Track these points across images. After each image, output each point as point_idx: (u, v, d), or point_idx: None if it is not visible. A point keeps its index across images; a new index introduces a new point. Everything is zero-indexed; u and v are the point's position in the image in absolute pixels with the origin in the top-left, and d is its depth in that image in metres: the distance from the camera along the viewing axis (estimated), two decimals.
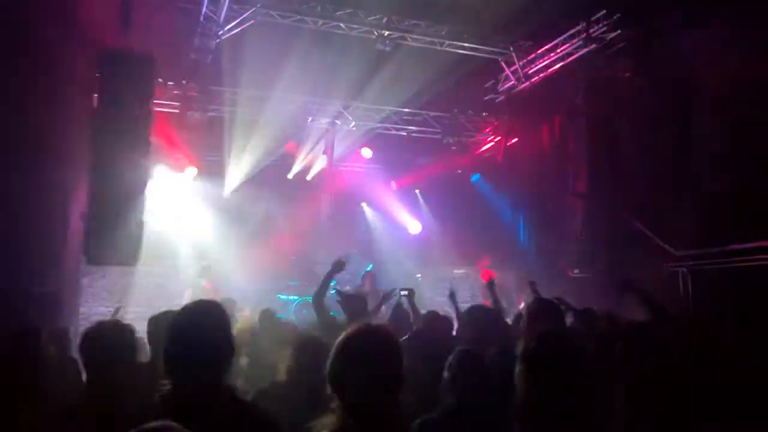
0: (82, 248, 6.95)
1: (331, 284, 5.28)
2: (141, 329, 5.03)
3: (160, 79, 9.49)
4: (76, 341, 6.67)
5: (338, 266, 5.13)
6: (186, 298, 8.90)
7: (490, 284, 5.58)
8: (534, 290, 5.57)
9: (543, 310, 3.61)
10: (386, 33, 9.01)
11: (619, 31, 8.49)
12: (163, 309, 4.64)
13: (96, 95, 6.92)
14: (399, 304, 5.85)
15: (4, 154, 5.21)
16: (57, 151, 7.04)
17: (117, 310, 7.42)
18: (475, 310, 4.28)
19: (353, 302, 5.16)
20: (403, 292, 6.03)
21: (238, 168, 12.09)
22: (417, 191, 13.84)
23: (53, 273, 6.89)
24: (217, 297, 8.80)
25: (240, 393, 2.22)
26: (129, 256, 6.99)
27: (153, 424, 1.20)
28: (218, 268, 10.24)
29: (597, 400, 2.09)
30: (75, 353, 5.45)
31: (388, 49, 9.10)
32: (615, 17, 8.44)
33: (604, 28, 8.60)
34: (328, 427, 1.84)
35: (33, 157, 5.87)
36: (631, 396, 2.04)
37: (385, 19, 8.94)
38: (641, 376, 2.48)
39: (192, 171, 11.69)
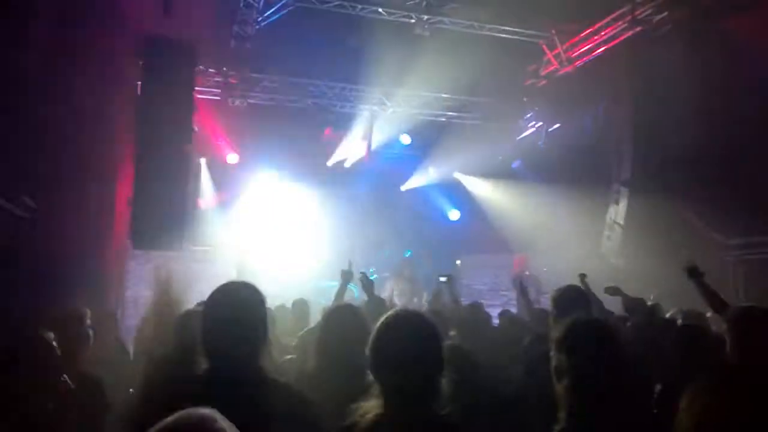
0: (129, 233, 7.15)
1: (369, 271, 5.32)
2: None
3: (201, 67, 9.63)
4: (123, 323, 6.89)
5: (346, 277, 5.13)
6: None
7: (523, 290, 5.58)
8: (584, 282, 5.45)
9: (568, 298, 3.50)
10: (425, 17, 8.91)
11: (666, 14, 8.19)
12: (206, 292, 4.70)
13: (139, 82, 7.08)
14: (438, 291, 5.84)
15: (55, 142, 5.37)
16: (104, 139, 7.22)
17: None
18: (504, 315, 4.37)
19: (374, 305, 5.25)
20: (442, 279, 6.02)
21: (278, 154, 12.22)
22: (456, 177, 13.70)
23: (101, 257, 7.11)
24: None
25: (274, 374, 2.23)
26: (174, 241, 7.17)
27: (194, 410, 1.19)
28: (257, 254, 10.39)
29: (637, 390, 2.05)
30: (122, 335, 5.62)
31: (426, 33, 9.00)
32: None
33: (650, 11, 8.32)
34: (370, 411, 1.84)
35: (82, 145, 6.04)
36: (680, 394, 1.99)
37: (423, 3, 8.84)
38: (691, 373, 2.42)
39: (233, 157, 11.86)
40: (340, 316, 3.06)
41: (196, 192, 11.44)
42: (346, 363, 2.67)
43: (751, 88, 7.50)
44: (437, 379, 1.87)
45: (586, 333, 2.15)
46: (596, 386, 2.00)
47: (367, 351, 1.93)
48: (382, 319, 1.99)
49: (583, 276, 5.38)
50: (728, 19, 7.72)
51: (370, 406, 1.86)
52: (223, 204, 11.72)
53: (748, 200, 7.44)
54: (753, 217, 7.40)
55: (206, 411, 1.18)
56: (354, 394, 1.94)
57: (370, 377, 1.89)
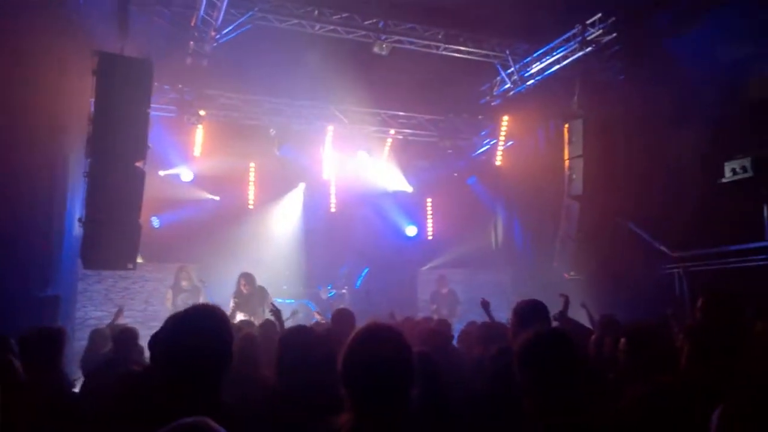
0: (80, 252, 6.95)
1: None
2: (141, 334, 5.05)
3: (156, 83, 9.48)
4: (72, 344, 6.66)
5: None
6: (168, 299, 9.09)
7: (486, 306, 5.66)
8: (565, 304, 5.34)
9: (531, 310, 3.58)
10: (382, 36, 9.03)
11: (614, 35, 8.53)
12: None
13: (93, 99, 6.93)
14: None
15: (6, 162, 5.22)
16: (57, 157, 7.03)
17: (117, 314, 7.45)
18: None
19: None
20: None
21: (234, 171, 12.16)
22: (413, 193, 13.82)
23: (52, 277, 6.88)
24: (200, 297, 8.89)
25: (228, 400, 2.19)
26: (125, 260, 7.00)
27: (188, 420, 1.20)
28: (203, 269, 10.26)
29: (598, 395, 2.13)
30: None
31: (384, 52, 9.11)
32: (610, 21, 8.48)
33: (600, 32, 8.64)
34: (342, 425, 1.84)
35: (34, 164, 5.88)
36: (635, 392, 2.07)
37: (381, 23, 8.96)
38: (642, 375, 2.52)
39: (188, 174, 11.69)
40: (298, 337, 3.07)
41: (149, 209, 11.21)
42: (309, 381, 2.67)
43: (696, 105, 7.86)
44: (408, 389, 1.88)
45: (548, 345, 2.22)
46: (557, 396, 2.07)
47: (339, 364, 1.92)
48: (353, 333, 1.99)
49: (564, 296, 5.25)
50: (674, 40, 8.08)
51: (342, 421, 1.86)
52: (178, 220, 11.50)
53: (692, 214, 7.77)
54: (696, 230, 7.74)
55: (198, 418, 1.20)
56: (318, 411, 1.94)
57: (335, 393, 1.89)
